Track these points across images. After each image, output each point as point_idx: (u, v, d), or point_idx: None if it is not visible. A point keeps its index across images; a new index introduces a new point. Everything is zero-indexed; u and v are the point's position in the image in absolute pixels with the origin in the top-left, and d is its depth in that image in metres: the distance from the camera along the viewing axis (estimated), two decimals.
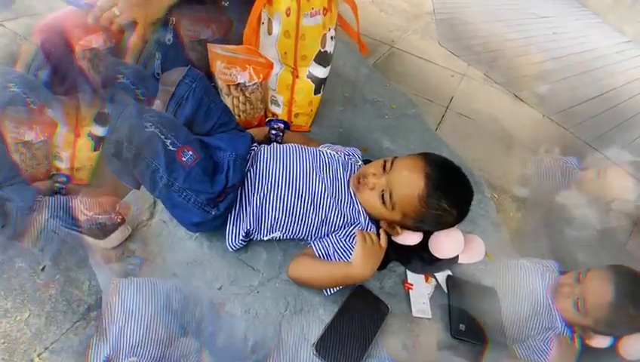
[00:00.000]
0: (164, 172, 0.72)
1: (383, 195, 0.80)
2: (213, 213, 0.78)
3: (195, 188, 0.74)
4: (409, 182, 0.78)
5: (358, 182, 0.84)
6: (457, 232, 0.86)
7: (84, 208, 0.85)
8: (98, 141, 0.97)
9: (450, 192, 0.78)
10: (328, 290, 0.81)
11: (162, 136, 0.71)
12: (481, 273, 0.96)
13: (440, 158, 0.83)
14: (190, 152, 0.73)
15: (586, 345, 0.92)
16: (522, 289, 0.95)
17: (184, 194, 0.74)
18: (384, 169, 0.82)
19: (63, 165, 0.95)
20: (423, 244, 0.86)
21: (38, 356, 0.71)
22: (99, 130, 0.97)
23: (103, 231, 0.83)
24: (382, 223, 0.85)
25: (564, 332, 0.92)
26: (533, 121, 1.96)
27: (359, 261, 0.77)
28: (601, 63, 2.58)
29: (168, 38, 0.98)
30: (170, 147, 0.71)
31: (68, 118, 0.94)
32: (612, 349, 0.92)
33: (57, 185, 0.91)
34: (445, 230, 0.85)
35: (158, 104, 0.89)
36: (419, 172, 0.78)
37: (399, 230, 0.84)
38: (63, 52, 1.03)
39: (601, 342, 0.92)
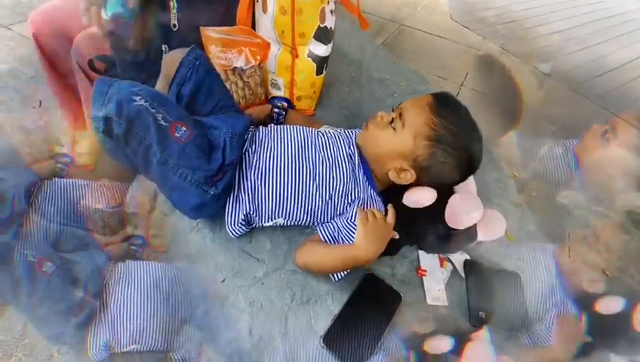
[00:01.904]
0: (157, 148, 0.68)
1: (392, 121, 0.79)
2: (211, 192, 0.74)
3: (190, 165, 0.70)
4: (420, 100, 0.78)
5: (366, 126, 0.82)
6: (474, 196, 0.80)
7: (90, 202, 0.82)
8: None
9: (461, 114, 0.77)
10: (336, 276, 0.77)
11: (152, 110, 0.66)
12: (502, 256, 0.90)
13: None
14: (184, 128, 0.69)
15: (596, 313, 0.84)
16: (524, 272, 0.89)
17: (179, 171, 0.70)
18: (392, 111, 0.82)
19: (63, 150, 0.93)
20: (438, 216, 0.80)
21: (58, 350, 0.72)
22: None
23: (108, 226, 0.81)
24: (391, 173, 0.79)
25: (567, 306, 0.85)
26: (555, 94, 1.84)
27: (361, 240, 0.72)
28: (627, 29, 2.41)
29: (173, 23, 0.94)
30: (162, 122, 0.67)
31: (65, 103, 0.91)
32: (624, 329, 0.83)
33: (59, 165, 0.89)
34: (461, 195, 0.79)
35: (160, 85, 0.85)
36: (429, 96, 0.79)
37: (411, 172, 0.78)
38: (58, 42, 1.01)
39: (612, 305, 0.83)
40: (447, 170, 0.77)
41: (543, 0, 2.51)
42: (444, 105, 0.77)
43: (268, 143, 0.81)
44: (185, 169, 0.70)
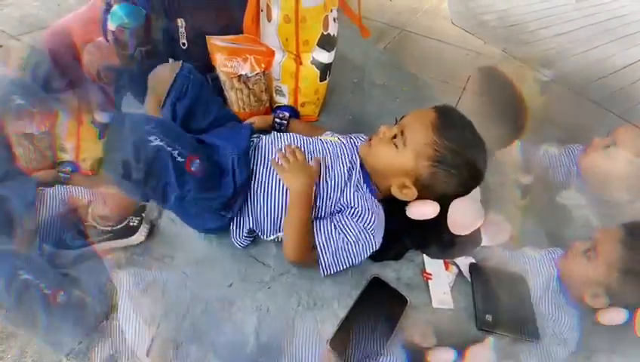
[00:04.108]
0: (175, 185, 0.68)
1: (394, 138, 0.77)
2: (228, 216, 0.76)
3: (208, 196, 0.71)
4: (422, 116, 0.76)
5: (369, 141, 0.81)
6: (474, 201, 0.80)
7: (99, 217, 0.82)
8: (102, 128, 0.96)
9: (465, 131, 0.75)
10: (326, 269, 0.75)
11: (169, 148, 0.66)
12: (506, 259, 0.90)
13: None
14: (197, 160, 0.69)
15: (599, 324, 0.83)
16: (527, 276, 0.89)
17: (198, 204, 0.72)
18: (395, 124, 0.81)
19: (67, 157, 0.94)
20: (441, 223, 0.80)
21: (66, 356, 0.72)
22: (102, 117, 0.96)
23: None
24: (393, 189, 0.79)
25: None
26: (559, 97, 1.84)
27: (288, 179, 0.75)
28: (630, 30, 2.41)
29: (182, 42, 0.96)
30: (179, 158, 0.67)
31: (69, 109, 0.93)
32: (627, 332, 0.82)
33: (62, 174, 0.90)
34: (461, 200, 0.78)
35: (150, 103, 0.86)
36: (432, 111, 0.77)
37: (413, 189, 0.77)
38: (64, 47, 1.04)
39: (615, 317, 0.82)
40: (450, 187, 0.76)
41: (544, 3, 2.51)
42: (446, 123, 0.74)
43: (269, 157, 0.81)
44: (203, 201, 0.71)
